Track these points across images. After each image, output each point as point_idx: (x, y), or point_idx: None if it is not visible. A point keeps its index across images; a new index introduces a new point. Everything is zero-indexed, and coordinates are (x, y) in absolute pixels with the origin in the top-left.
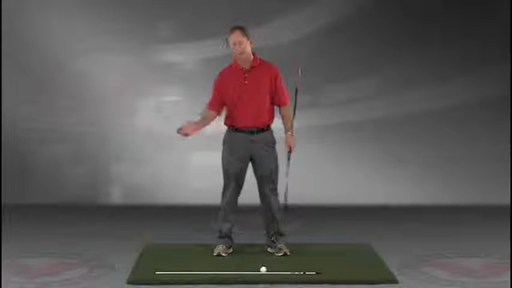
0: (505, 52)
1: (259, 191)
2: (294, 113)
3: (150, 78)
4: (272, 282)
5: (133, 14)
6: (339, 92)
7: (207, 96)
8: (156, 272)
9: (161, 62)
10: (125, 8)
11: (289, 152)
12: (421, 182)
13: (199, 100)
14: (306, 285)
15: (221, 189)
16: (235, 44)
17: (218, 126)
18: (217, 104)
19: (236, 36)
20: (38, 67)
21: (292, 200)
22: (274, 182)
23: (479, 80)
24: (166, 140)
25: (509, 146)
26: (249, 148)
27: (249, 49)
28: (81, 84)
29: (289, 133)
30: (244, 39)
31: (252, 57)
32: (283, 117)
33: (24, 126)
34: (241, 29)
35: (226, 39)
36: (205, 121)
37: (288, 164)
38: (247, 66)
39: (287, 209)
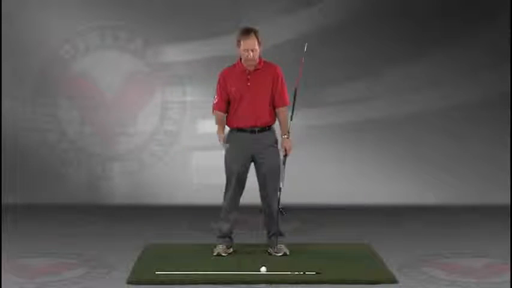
0: (505, 52)
1: (260, 190)
2: (292, 115)
3: (151, 77)
4: (272, 282)
5: (134, 13)
6: (339, 92)
7: (208, 96)
8: (156, 272)
9: (162, 61)
10: (125, 8)
11: (285, 156)
12: (421, 182)
13: (199, 100)
14: (306, 285)
15: (221, 189)
16: (247, 50)
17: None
18: (223, 104)
19: (251, 43)
20: (38, 67)
21: (293, 200)
22: (276, 181)
23: (479, 80)
24: (167, 140)
25: (509, 145)
26: (251, 148)
27: (259, 55)
28: (81, 84)
29: (285, 136)
30: (258, 47)
31: (258, 59)
32: (280, 120)
33: (24, 126)
34: (256, 35)
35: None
36: (222, 124)
37: (283, 168)
38: (251, 68)
39: (282, 212)
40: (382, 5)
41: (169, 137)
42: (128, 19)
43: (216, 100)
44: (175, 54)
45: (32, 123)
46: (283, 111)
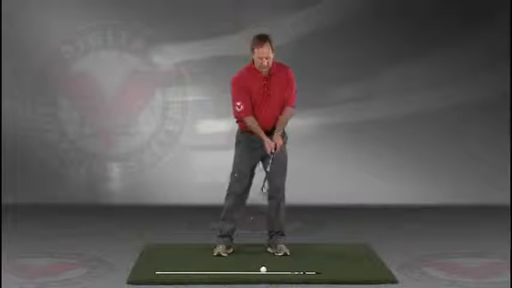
0: (505, 52)
1: (270, 188)
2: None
3: (151, 77)
4: (272, 282)
5: (134, 13)
6: (338, 92)
7: (208, 96)
8: (156, 272)
9: (162, 61)
10: (125, 8)
11: (274, 150)
12: (421, 182)
13: (200, 100)
14: (306, 285)
15: (222, 189)
16: (262, 58)
17: (218, 127)
18: (250, 108)
19: (266, 51)
20: (38, 67)
21: (293, 200)
22: (284, 178)
23: (479, 81)
24: (167, 140)
25: (509, 146)
26: (264, 149)
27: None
28: (81, 84)
29: (279, 133)
30: (272, 54)
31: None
32: (280, 117)
33: (24, 126)
34: (270, 42)
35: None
36: (259, 126)
37: (270, 163)
38: (265, 74)
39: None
40: (382, 5)
41: (170, 137)
42: (128, 19)
43: (243, 107)
44: (175, 54)
45: (32, 123)
46: (286, 111)
